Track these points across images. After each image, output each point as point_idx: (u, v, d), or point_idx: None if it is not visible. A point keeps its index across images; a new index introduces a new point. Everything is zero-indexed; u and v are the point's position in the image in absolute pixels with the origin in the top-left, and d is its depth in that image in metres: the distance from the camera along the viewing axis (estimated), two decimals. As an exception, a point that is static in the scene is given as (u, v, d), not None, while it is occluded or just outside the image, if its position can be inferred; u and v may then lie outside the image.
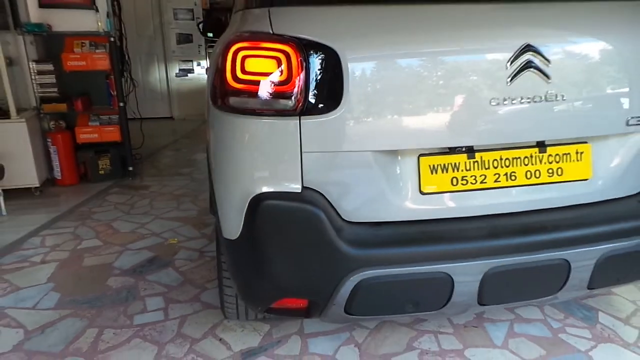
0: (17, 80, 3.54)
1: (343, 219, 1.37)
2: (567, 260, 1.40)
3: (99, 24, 3.63)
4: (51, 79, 3.61)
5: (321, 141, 1.29)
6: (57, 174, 3.78)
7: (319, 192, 1.33)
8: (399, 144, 1.35)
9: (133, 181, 4.00)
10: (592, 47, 1.39)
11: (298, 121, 1.27)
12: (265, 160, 1.32)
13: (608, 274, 1.49)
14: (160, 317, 2.04)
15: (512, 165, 1.43)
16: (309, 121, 1.27)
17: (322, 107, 1.27)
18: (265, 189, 1.31)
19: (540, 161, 1.45)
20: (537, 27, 1.35)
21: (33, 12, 3.53)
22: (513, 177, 1.44)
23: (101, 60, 3.64)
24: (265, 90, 1.26)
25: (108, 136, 3.85)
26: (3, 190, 3.22)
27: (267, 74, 1.25)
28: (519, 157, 1.43)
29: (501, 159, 1.42)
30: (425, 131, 1.34)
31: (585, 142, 1.47)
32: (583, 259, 1.42)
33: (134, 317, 2.04)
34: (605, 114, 1.43)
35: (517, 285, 1.44)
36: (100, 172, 3.93)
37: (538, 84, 1.33)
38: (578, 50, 1.38)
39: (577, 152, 1.47)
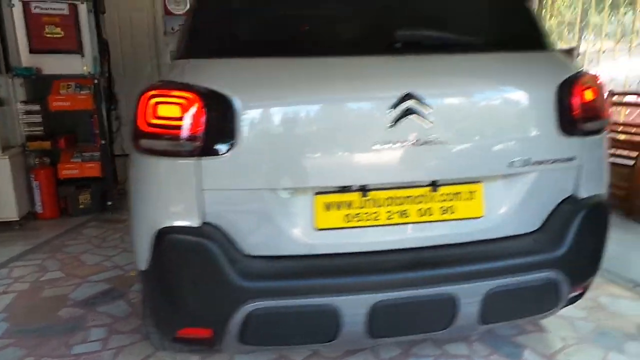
0: (5, 119, 3.78)
1: (242, 253, 1.47)
2: (454, 295, 1.48)
3: (85, 67, 3.89)
4: (37, 118, 3.83)
5: (219, 179, 1.42)
6: (39, 208, 3.94)
7: (217, 227, 1.45)
8: (292, 183, 1.46)
9: (112, 215, 4.14)
10: (471, 96, 1.52)
11: (198, 161, 1.40)
12: (169, 197, 1.45)
13: (498, 309, 1.56)
14: (98, 348, 2.12)
15: (405, 204, 1.54)
16: (207, 161, 1.40)
17: (218, 148, 1.40)
18: (168, 224, 1.43)
19: (433, 200, 1.55)
20: (418, 77, 1.49)
21: (24, 57, 3.80)
22: (405, 215, 1.54)
23: (84, 101, 3.87)
24: (170, 133, 1.40)
25: (89, 172, 4.03)
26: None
27: (172, 119, 1.40)
28: (412, 196, 1.54)
29: (394, 197, 1.53)
30: (318, 171, 1.46)
31: (478, 182, 1.57)
32: (470, 295, 1.49)
33: (73, 347, 2.12)
34: (488, 157, 1.54)
35: (406, 318, 1.51)
36: (80, 206, 4.09)
37: (420, 128, 1.45)
38: (458, 99, 1.51)
39: (469, 192, 1.57)
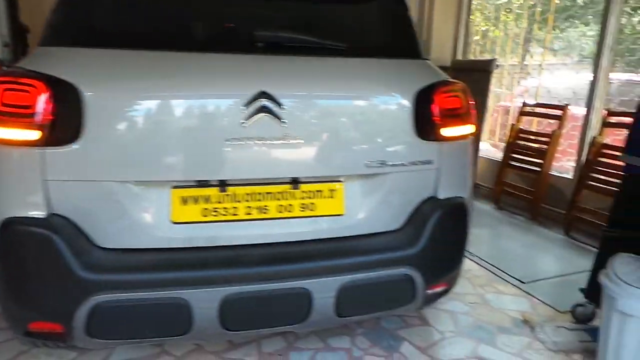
0: None
1: (95, 245, 1.46)
2: (307, 290, 1.53)
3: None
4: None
5: (65, 170, 1.40)
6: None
7: (67, 218, 1.43)
8: (145, 176, 1.46)
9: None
10: (328, 98, 1.58)
11: (43, 151, 1.37)
12: (15, 187, 1.41)
13: (353, 303, 1.62)
14: None
15: (265, 200, 1.57)
16: (53, 152, 1.38)
17: (64, 138, 1.38)
18: (12, 214, 1.40)
19: (294, 197, 1.59)
20: (274, 77, 1.52)
21: None
22: (265, 211, 1.57)
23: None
24: (15, 121, 1.36)
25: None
26: None
27: (18, 107, 1.36)
28: (272, 192, 1.58)
29: (253, 193, 1.56)
30: (173, 165, 1.47)
31: (338, 181, 1.63)
32: (323, 289, 1.55)
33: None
34: (347, 157, 1.61)
35: (260, 312, 1.54)
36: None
37: (273, 127, 1.48)
38: (314, 100, 1.56)
39: (329, 190, 1.63)
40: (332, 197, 1.63)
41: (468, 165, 1.84)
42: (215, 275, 1.47)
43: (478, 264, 3.08)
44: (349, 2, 1.81)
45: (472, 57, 4.98)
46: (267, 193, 1.58)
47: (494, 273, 2.95)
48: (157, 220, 1.50)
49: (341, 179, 1.63)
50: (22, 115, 1.36)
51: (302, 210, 1.61)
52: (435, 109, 1.66)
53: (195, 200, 1.52)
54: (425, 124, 1.65)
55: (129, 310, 1.43)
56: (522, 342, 2.21)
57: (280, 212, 1.59)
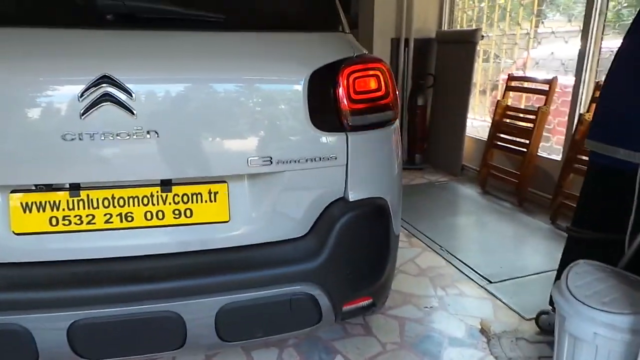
0: None
1: None
2: (177, 313, 1.28)
3: None
4: None
5: None
6: None
7: None
8: None
9: None
10: (190, 81, 1.27)
11: None
12: None
13: (238, 326, 1.36)
14: None
15: (128, 205, 1.31)
16: None
17: None
18: None
19: (165, 201, 1.33)
20: (123, 57, 1.23)
21: None
22: (129, 218, 1.31)
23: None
24: None
25: None
26: None
27: None
28: (137, 197, 1.31)
29: (113, 198, 1.30)
30: (9, 166, 1.21)
31: (221, 182, 1.36)
32: (197, 312, 1.29)
33: None
34: (225, 154, 1.32)
35: (121, 338, 1.30)
36: None
37: (120, 118, 1.21)
38: (171, 84, 1.26)
39: (209, 192, 1.35)
40: (213, 200, 1.36)
41: (390, 160, 1.53)
42: (61, 296, 1.22)
43: (446, 259, 2.79)
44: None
45: (459, 28, 4.55)
46: (131, 197, 1.31)
47: (461, 270, 2.65)
48: (-7, 231, 1.26)
49: (224, 180, 1.36)
50: None
51: (176, 218, 1.34)
52: (338, 93, 1.35)
53: (41, 207, 1.27)
54: (323, 113, 1.35)
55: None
56: (474, 357, 1.94)
57: (148, 219, 1.32)
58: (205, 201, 1.35)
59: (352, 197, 1.44)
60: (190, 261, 1.34)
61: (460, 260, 2.76)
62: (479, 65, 4.38)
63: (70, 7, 1.30)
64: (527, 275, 2.60)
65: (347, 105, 1.37)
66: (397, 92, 1.51)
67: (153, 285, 1.28)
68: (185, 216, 1.35)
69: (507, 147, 3.81)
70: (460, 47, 4.12)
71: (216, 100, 1.29)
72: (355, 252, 1.45)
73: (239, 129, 1.31)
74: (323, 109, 1.35)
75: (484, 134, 4.23)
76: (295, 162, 1.35)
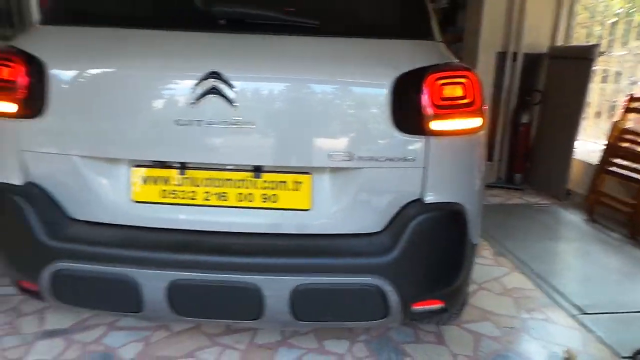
0: None
1: (66, 215, 1.53)
2: (256, 286, 1.42)
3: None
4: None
5: (34, 142, 1.48)
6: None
7: (41, 188, 1.51)
8: (106, 152, 1.49)
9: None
10: (289, 82, 1.43)
11: (15, 122, 1.47)
12: None
13: (310, 307, 1.47)
14: (13, 292, 2.29)
15: (224, 186, 1.50)
16: (24, 123, 1.47)
17: (33, 111, 1.45)
18: None
19: (255, 186, 1.50)
20: (228, 56, 1.42)
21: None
22: (224, 198, 1.50)
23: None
24: (1, 93, 1.48)
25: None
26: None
27: (3, 80, 1.47)
28: (231, 179, 1.50)
29: (212, 178, 1.50)
30: (132, 143, 1.47)
31: (306, 173, 1.49)
32: (275, 288, 1.43)
33: None
34: (311, 147, 1.45)
35: (208, 301, 1.47)
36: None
37: (223, 109, 1.39)
38: (273, 83, 1.43)
39: (294, 182, 1.49)
40: (297, 189, 1.49)
41: (471, 166, 1.54)
42: (164, 258, 1.44)
43: (535, 282, 2.64)
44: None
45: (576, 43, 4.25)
46: (227, 180, 1.50)
47: (549, 296, 2.50)
48: (119, 197, 1.51)
49: (308, 171, 1.49)
50: (5, 89, 1.46)
51: (264, 201, 1.50)
52: (422, 98, 1.41)
53: (155, 180, 1.50)
54: (405, 115, 1.42)
55: (84, 281, 1.47)
56: (549, 384, 1.84)
57: (239, 200, 1.50)
58: (290, 189, 1.49)
59: (428, 199, 1.48)
60: (272, 242, 1.49)
61: (551, 285, 2.60)
62: (595, 85, 4.05)
63: (190, 13, 1.54)
64: (629, 312, 2.36)
65: (431, 110, 1.42)
66: (485, 102, 1.52)
67: (239, 258, 1.44)
68: (272, 201, 1.50)
69: (622, 173, 3.47)
70: (574, 63, 3.86)
71: (307, 98, 1.43)
72: (428, 253, 1.49)
73: (325, 125, 1.43)
74: (406, 112, 1.42)
75: (595, 158, 3.90)
76: (375, 160, 1.43)
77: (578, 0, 4.28)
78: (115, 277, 1.44)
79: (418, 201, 1.49)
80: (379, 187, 1.48)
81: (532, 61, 4.33)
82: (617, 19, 3.98)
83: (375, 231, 1.52)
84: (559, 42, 4.34)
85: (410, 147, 1.44)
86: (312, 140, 1.45)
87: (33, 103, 1.44)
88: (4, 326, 2.06)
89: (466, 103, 1.46)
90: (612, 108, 4.05)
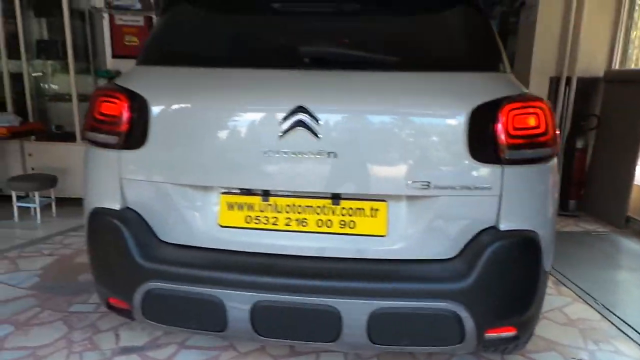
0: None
1: (157, 238, 1.66)
2: (336, 309, 1.48)
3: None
4: (115, 112, 4.48)
5: (134, 171, 1.63)
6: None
7: (137, 212, 1.65)
8: (197, 180, 1.61)
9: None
10: (369, 114, 1.52)
11: (119, 153, 1.62)
12: (101, 182, 1.69)
13: (386, 331, 1.51)
14: (90, 310, 2.47)
15: (305, 213, 1.59)
16: (126, 154, 1.62)
17: (134, 143, 1.61)
18: (99, 205, 1.68)
19: (333, 212, 1.57)
20: (313, 91, 1.53)
21: (108, 61, 4.47)
22: (304, 224, 1.59)
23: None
24: (105, 127, 1.64)
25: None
26: (60, 198, 4.09)
27: (108, 115, 1.64)
28: (312, 206, 1.58)
29: (294, 205, 1.59)
30: (221, 172, 1.59)
31: (383, 201, 1.56)
32: (353, 311, 1.48)
33: (72, 305, 2.51)
34: (389, 176, 1.52)
35: (288, 323, 1.54)
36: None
37: (308, 140, 1.49)
38: (353, 116, 1.53)
39: (371, 209, 1.56)
40: (374, 216, 1.56)
41: (545, 194, 1.57)
42: (249, 280, 1.53)
43: (600, 313, 2.57)
44: (407, 14, 1.70)
45: (633, 67, 4.18)
46: (307, 206, 1.58)
47: (618, 327, 2.42)
48: (207, 222, 1.63)
49: (385, 199, 1.55)
50: (110, 123, 1.62)
51: (342, 227, 1.57)
52: (497, 128, 1.46)
53: (240, 206, 1.61)
54: (482, 145, 1.47)
55: (173, 300, 1.57)
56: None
57: (319, 226, 1.58)
58: (367, 216, 1.56)
59: (503, 226, 1.51)
60: (350, 266, 1.55)
61: (618, 317, 2.52)
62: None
63: (277, 53, 1.67)
64: None
65: (505, 140, 1.47)
66: (558, 132, 1.55)
67: (319, 282, 1.51)
68: (349, 227, 1.57)
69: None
70: (633, 87, 3.79)
71: (386, 129, 1.51)
72: (503, 280, 1.51)
73: (403, 155, 1.51)
74: (482, 142, 1.48)
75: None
76: (451, 188, 1.49)
77: (636, 24, 4.22)
78: (203, 297, 1.54)
79: (493, 228, 1.52)
80: (454, 214, 1.53)
81: (587, 85, 4.28)
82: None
83: (449, 257, 1.56)
84: (615, 65, 4.28)
85: (486, 176, 1.48)
86: (389, 169, 1.52)
87: (136, 136, 1.59)
88: (83, 342, 2.19)
89: (540, 133, 1.50)
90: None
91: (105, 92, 1.64)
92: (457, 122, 1.48)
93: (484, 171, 1.48)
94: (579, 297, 2.77)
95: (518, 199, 1.52)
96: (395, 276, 1.51)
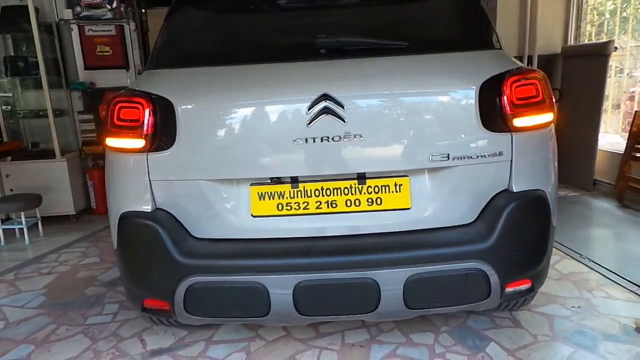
0: (65, 127, 4.40)
1: (190, 235, 1.71)
2: (375, 280, 1.59)
3: (129, 80, 4.40)
4: (91, 126, 4.41)
5: (163, 172, 1.67)
6: (93, 204, 4.51)
7: (168, 212, 1.69)
8: (228, 175, 1.67)
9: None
10: (387, 96, 1.63)
11: (147, 156, 1.66)
12: (128, 186, 1.72)
13: (423, 295, 1.63)
14: (108, 320, 2.47)
15: (333, 195, 1.68)
16: (154, 156, 1.66)
17: (162, 144, 1.65)
18: (127, 209, 1.71)
19: (360, 192, 1.68)
20: (334, 80, 1.62)
21: (81, 73, 4.39)
22: (334, 205, 1.68)
23: (131, 110, 4.38)
24: (128, 132, 1.67)
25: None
26: (45, 217, 3.99)
27: (130, 121, 1.67)
28: (340, 188, 1.68)
29: (322, 189, 1.68)
30: (250, 165, 1.66)
31: (405, 176, 1.68)
32: (390, 280, 1.59)
33: (88, 318, 2.49)
34: (411, 152, 1.64)
35: (330, 299, 1.64)
36: (128, 203, 4.60)
37: (335, 126, 1.59)
38: (373, 99, 1.63)
39: (395, 185, 1.68)
40: (398, 191, 1.68)
41: (548, 156, 1.74)
42: (289, 263, 1.61)
43: (588, 266, 2.81)
44: (415, 2, 1.83)
45: (587, 42, 4.51)
46: (336, 188, 1.68)
47: (605, 276, 2.67)
48: (239, 214, 1.70)
49: (407, 174, 1.67)
50: (133, 128, 1.65)
51: (370, 205, 1.68)
52: (503, 99, 1.61)
53: (271, 195, 1.69)
54: (492, 116, 1.61)
55: (216, 291, 1.63)
56: (632, 352, 1.98)
57: (348, 206, 1.68)
58: (392, 192, 1.68)
59: (516, 188, 1.67)
60: (382, 240, 1.66)
61: (604, 267, 2.76)
62: (610, 78, 4.29)
63: (295, 47, 1.76)
64: (683, 284, 2.53)
65: (511, 109, 1.62)
66: (557, 99, 1.72)
67: (355, 257, 1.61)
68: (376, 204, 1.68)
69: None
70: (590, 60, 4.10)
71: (405, 109, 1.63)
72: (520, 236, 1.66)
73: (422, 131, 1.63)
74: (491, 113, 1.62)
75: (617, 148, 4.11)
76: (468, 157, 1.62)
77: (587, 1, 4.55)
78: (245, 284, 1.61)
79: (506, 191, 1.67)
80: (472, 181, 1.67)
81: (547, 62, 4.58)
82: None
83: (469, 222, 1.70)
84: (570, 41, 4.60)
85: (498, 143, 1.63)
86: (412, 145, 1.64)
87: (164, 138, 1.64)
88: (110, 351, 2.20)
89: (539, 101, 1.66)
90: (630, 99, 4.27)
91: (129, 98, 1.67)
92: (468, 96, 1.61)
93: (496, 139, 1.63)
94: (566, 254, 3.00)
95: (526, 162, 1.67)
96: (424, 244, 1.64)
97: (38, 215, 3.90)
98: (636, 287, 2.51)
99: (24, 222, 3.71)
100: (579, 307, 2.36)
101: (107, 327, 2.40)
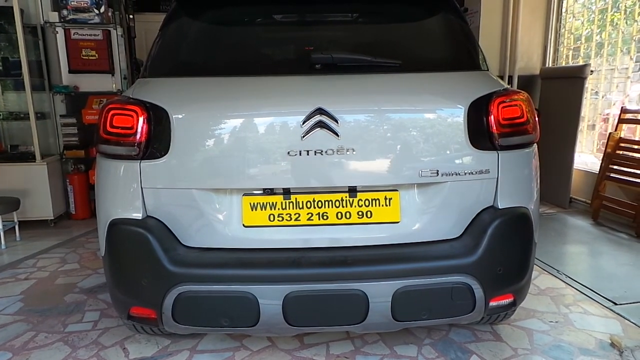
0: (47, 131, 4.32)
1: (180, 244, 1.71)
2: (364, 292, 1.62)
3: (114, 85, 4.36)
4: (73, 130, 4.34)
5: (156, 180, 1.67)
6: (72, 209, 4.43)
7: (158, 220, 1.69)
8: (220, 184, 1.68)
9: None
10: (380, 112, 1.68)
11: (139, 164, 1.66)
12: (119, 193, 1.71)
13: (409, 308, 1.67)
14: (88, 328, 2.43)
15: (325, 207, 1.71)
16: (146, 164, 1.66)
17: (156, 152, 1.65)
18: (117, 216, 1.70)
19: (351, 204, 1.71)
20: (329, 95, 1.66)
21: (64, 76, 4.33)
22: (325, 217, 1.71)
23: (115, 115, 4.33)
24: (121, 139, 1.67)
25: (117, 178, 4.47)
26: (22, 221, 3.89)
27: (123, 128, 1.67)
28: (331, 200, 1.71)
29: (314, 201, 1.71)
30: (244, 175, 1.67)
31: (395, 190, 1.72)
32: (378, 292, 1.62)
33: (68, 326, 2.44)
34: (401, 167, 1.68)
35: (319, 310, 1.65)
36: (109, 209, 4.53)
37: (329, 139, 1.62)
38: (366, 115, 1.67)
39: (385, 198, 1.72)
40: (388, 205, 1.72)
41: (531, 175, 1.80)
42: (280, 274, 1.62)
43: (564, 282, 2.90)
44: (405, 20, 1.90)
45: (564, 64, 4.69)
46: (327, 201, 1.71)
47: (581, 292, 2.75)
48: (231, 223, 1.71)
49: (397, 188, 1.71)
50: (125, 135, 1.66)
51: (360, 218, 1.71)
52: (490, 119, 1.68)
53: (263, 206, 1.70)
54: (479, 134, 1.68)
55: (205, 300, 1.63)
56: (607, 366, 2.06)
57: (339, 218, 1.71)
58: (382, 205, 1.72)
59: (501, 205, 1.73)
60: (371, 252, 1.69)
61: (580, 283, 2.86)
62: (586, 100, 4.47)
63: (291, 62, 1.79)
64: (654, 301, 2.63)
65: (497, 129, 1.68)
66: (537, 119, 1.80)
67: (345, 269, 1.64)
68: (367, 217, 1.71)
69: (621, 178, 3.83)
70: (567, 82, 4.27)
71: (397, 125, 1.67)
72: (505, 252, 1.72)
73: (413, 147, 1.68)
74: (479, 131, 1.68)
75: (592, 167, 4.26)
76: (456, 174, 1.68)
77: (564, 26, 4.74)
78: (235, 294, 1.61)
79: (492, 207, 1.73)
80: (458, 197, 1.72)
81: (526, 82, 4.74)
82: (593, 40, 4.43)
83: (455, 236, 1.75)
84: (549, 63, 4.78)
85: (485, 161, 1.69)
86: (402, 161, 1.68)
87: (158, 146, 1.64)
88: (91, 359, 2.16)
89: (523, 122, 1.73)
90: (605, 121, 4.44)
91: (123, 106, 1.67)
92: (458, 115, 1.67)
93: (483, 157, 1.69)
94: (544, 270, 3.09)
95: (511, 179, 1.74)
96: (413, 257, 1.68)
97: (15, 219, 3.81)
98: (611, 303, 2.60)
99: (0, 226, 3.62)
100: (556, 322, 2.44)
101: (87, 335, 2.36)
